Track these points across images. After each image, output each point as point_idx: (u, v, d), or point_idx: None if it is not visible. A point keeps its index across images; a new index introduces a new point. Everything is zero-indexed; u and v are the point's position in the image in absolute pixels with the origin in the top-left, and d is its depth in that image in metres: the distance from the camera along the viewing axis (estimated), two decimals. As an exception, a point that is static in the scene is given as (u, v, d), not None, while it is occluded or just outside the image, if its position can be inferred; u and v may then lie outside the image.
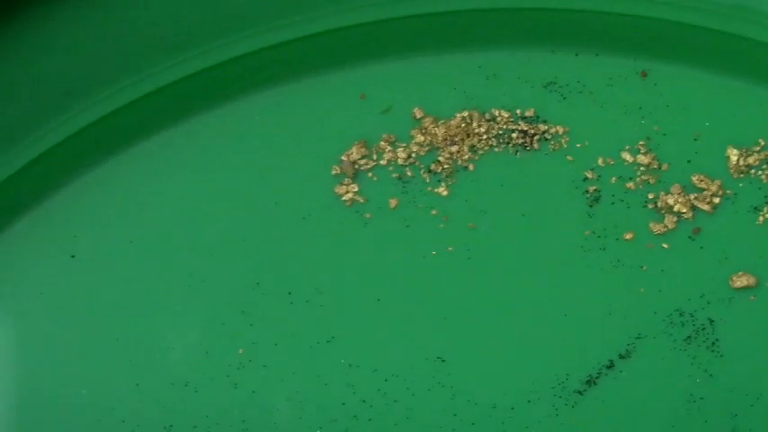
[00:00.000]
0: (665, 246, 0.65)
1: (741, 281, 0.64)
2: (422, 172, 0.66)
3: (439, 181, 0.66)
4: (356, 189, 0.66)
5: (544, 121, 0.67)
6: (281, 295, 0.66)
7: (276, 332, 0.66)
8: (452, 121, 0.67)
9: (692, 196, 0.65)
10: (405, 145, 0.67)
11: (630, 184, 0.66)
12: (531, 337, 0.65)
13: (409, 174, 0.66)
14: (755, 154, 0.66)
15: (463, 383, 0.65)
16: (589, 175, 0.66)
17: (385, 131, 0.67)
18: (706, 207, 0.65)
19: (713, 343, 0.64)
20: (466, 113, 0.67)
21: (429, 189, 0.66)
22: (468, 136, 0.66)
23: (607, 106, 0.67)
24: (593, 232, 0.65)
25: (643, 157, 0.66)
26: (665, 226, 0.65)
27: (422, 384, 0.65)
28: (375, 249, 0.66)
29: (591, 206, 0.66)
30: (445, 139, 0.66)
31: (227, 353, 0.66)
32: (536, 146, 0.66)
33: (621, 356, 0.64)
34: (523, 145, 0.66)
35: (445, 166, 0.66)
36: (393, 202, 0.66)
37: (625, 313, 0.65)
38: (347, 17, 0.68)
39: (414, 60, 0.68)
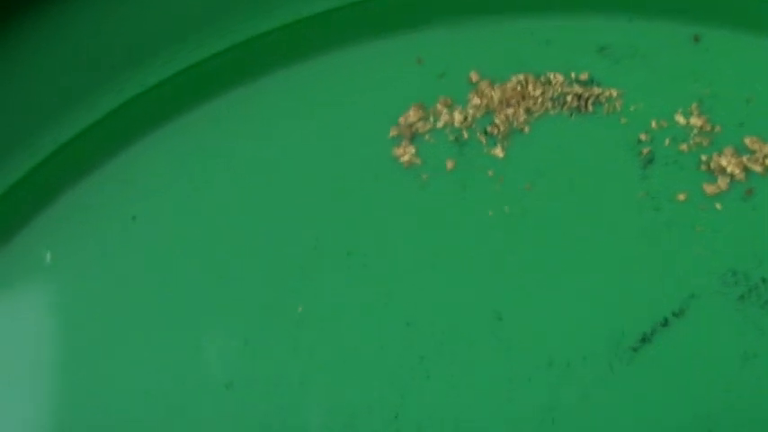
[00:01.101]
0: (718, 206, 0.67)
1: (793, 241, 0.66)
2: (478, 134, 0.68)
3: (495, 143, 0.68)
4: (413, 151, 0.68)
5: (598, 85, 0.68)
6: (340, 256, 0.67)
7: (335, 292, 0.67)
8: (508, 85, 0.68)
9: (744, 158, 0.67)
10: (461, 108, 0.68)
11: (683, 146, 0.67)
12: (586, 296, 0.66)
13: (466, 136, 0.68)
14: (807, 117, 0.67)
15: (519, 340, 0.66)
16: (643, 137, 0.67)
17: (442, 94, 0.68)
18: (758, 168, 0.67)
19: (766, 302, 0.65)
20: (521, 77, 0.68)
21: (485, 151, 0.68)
22: (524, 99, 0.68)
23: (660, 70, 0.68)
24: (647, 193, 0.67)
25: (696, 119, 0.67)
26: (718, 187, 0.66)
27: (479, 342, 0.66)
28: (432, 210, 0.67)
29: (644, 168, 0.67)
30: (501, 102, 0.68)
31: (287, 311, 0.67)
32: (590, 109, 0.68)
33: (675, 314, 0.65)
34: (578, 108, 0.68)
35: (501, 129, 0.67)
36: (450, 164, 0.67)
37: (678, 273, 0.66)
38: (405, -18, 0.70)
39: (469, 25, 0.70)
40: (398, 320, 0.67)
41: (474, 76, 0.69)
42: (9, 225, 0.71)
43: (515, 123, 0.68)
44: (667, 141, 0.68)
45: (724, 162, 0.67)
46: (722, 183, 0.67)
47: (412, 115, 0.68)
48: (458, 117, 0.68)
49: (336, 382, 0.67)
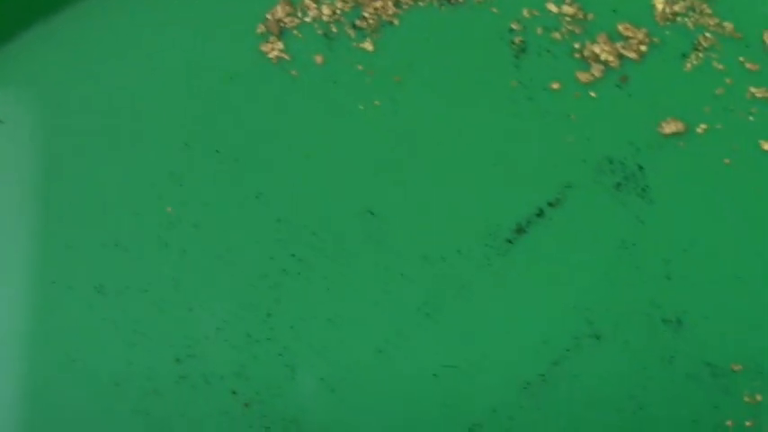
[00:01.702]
0: (593, 94, 0.66)
1: (670, 127, 0.65)
2: (347, 28, 0.67)
3: (364, 36, 0.67)
4: (281, 47, 0.67)
5: (468, -26, 0.67)
6: (210, 154, 0.67)
7: (205, 191, 0.67)
8: (377, -23, 0.67)
9: (618, 45, 0.66)
10: (329, 2, 0.67)
11: (556, 35, 0.67)
12: (460, 188, 0.66)
13: (334, 30, 0.67)
14: (681, 1, 0.67)
15: (393, 236, 0.66)
16: (515, 26, 0.67)
17: (310, -11, 0.68)
18: (633, 55, 0.66)
19: (643, 189, 0.65)
20: (390, -32, 0.67)
21: (354, 45, 0.67)
22: (393, -9, 0.67)
23: (532, -43, 0.67)
24: (520, 83, 0.66)
25: (568, 7, 0.67)
26: (593, 75, 0.66)
27: (351, 238, 0.66)
28: (302, 106, 0.67)
29: (517, 57, 0.66)
30: (370, -5, 0.67)
31: (156, 213, 0.66)
32: (461, -1, 0.67)
33: (551, 204, 0.65)
34: (448, -2, 0.67)
35: (370, 22, 0.67)
36: (319, 59, 0.67)
37: (554, 162, 0.66)
38: None
39: None
40: (269, 217, 0.66)
41: (342, -32, 0.68)
42: None
43: (384, 16, 0.67)
44: (540, 30, 0.67)
45: (597, 49, 0.67)
46: (596, 70, 0.66)
47: (279, 11, 0.68)
48: (326, 11, 0.67)
49: (208, 280, 0.66)
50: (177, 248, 0.66)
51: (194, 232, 0.66)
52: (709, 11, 0.67)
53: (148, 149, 0.67)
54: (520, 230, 0.65)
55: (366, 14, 0.67)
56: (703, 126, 0.66)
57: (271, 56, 0.67)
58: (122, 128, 0.67)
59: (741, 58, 0.66)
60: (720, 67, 0.66)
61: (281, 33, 0.67)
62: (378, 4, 0.67)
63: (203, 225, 0.66)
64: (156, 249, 0.66)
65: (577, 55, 0.67)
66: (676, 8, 0.67)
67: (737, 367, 0.64)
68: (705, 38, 0.66)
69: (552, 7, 0.67)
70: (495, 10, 0.67)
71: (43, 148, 0.68)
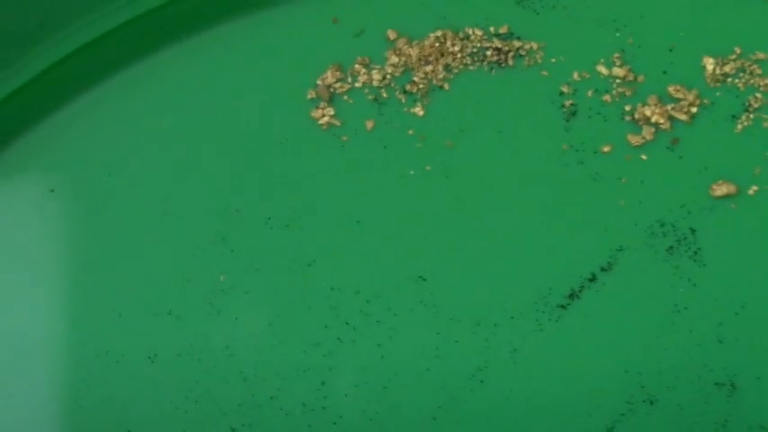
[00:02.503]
0: (644, 157, 0.66)
1: (721, 189, 0.66)
2: (397, 93, 0.68)
3: (415, 101, 0.67)
4: (332, 113, 0.67)
5: (518, 38, 0.68)
6: (261, 221, 0.67)
7: (257, 258, 0.67)
8: (426, 41, 0.68)
9: (669, 107, 0.66)
10: (379, 67, 0.68)
11: (607, 97, 0.67)
12: (512, 254, 0.66)
13: (385, 95, 0.67)
14: (731, 62, 0.67)
15: (445, 302, 0.66)
16: (565, 89, 0.67)
17: (359, 54, 0.68)
18: (683, 117, 0.66)
19: (695, 252, 0.65)
20: (439, 33, 0.68)
21: (405, 110, 0.67)
22: (443, 55, 0.67)
23: (581, 20, 0.68)
24: (571, 146, 0.66)
25: (618, 69, 0.67)
26: (644, 137, 0.66)
27: (404, 304, 0.66)
28: (353, 171, 0.67)
29: (568, 120, 0.67)
30: (419, 60, 0.67)
31: (208, 280, 0.67)
32: (510, 63, 0.67)
33: (603, 269, 0.65)
34: (498, 62, 0.67)
35: (420, 86, 0.67)
36: (369, 124, 0.67)
37: (605, 226, 0.66)
38: (317, -59, 0.69)
39: (385, -19, 0.69)
40: (323, 285, 0.67)
41: (391, 34, 0.69)
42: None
43: (434, 80, 0.68)
44: (590, 93, 0.68)
45: (648, 112, 0.67)
46: (647, 133, 0.67)
47: (329, 76, 0.68)
48: (376, 76, 0.68)
49: (263, 349, 0.67)
50: (229, 316, 0.67)
51: (246, 299, 0.67)
52: (759, 71, 0.67)
53: (200, 216, 0.68)
54: (572, 296, 0.66)
55: (416, 79, 0.68)
56: (755, 188, 0.66)
57: (321, 122, 0.67)
58: (174, 195, 0.68)
59: (791, 119, 0.67)
60: (771, 127, 0.67)
61: (332, 99, 0.68)
62: (428, 69, 0.67)
63: (255, 292, 0.67)
64: (208, 317, 0.67)
65: (628, 117, 0.67)
66: (726, 69, 0.67)
67: (792, 432, 0.65)
68: (755, 98, 0.67)
69: (602, 69, 0.67)
70: (545, 73, 0.68)
71: (94, 217, 0.69)
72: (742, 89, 0.68)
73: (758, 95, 0.67)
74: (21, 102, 0.70)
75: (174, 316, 0.67)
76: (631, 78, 0.68)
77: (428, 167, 0.67)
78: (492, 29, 0.69)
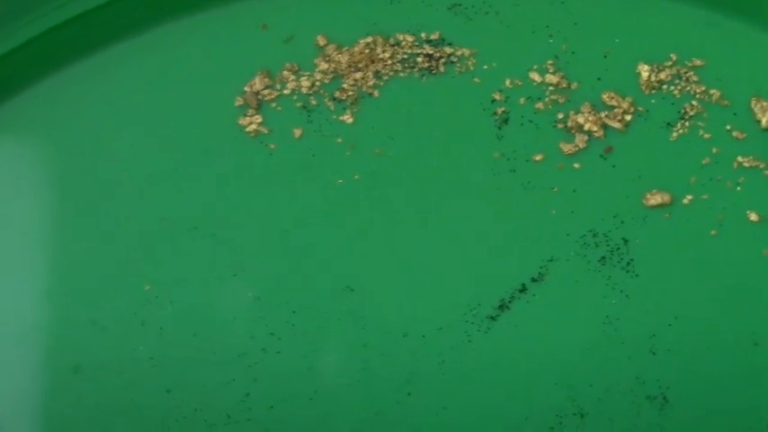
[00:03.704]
0: (577, 166, 0.66)
1: (655, 199, 0.65)
2: (326, 100, 0.67)
3: (344, 108, 0.67)
4: (260, 120, 0.67)
5: (450, 44, 0.68)
6: (187, 230, 0.67)
7: (183, 267, 0.66)
8: (356, 48, 0.67)
9: (602, 114, 0.66)
10: (308, 74, 0.67)
11: (539, 105, 0.67)
12: (442, 264, 0.66)
13: (313, 102, 0.67)
14: (667, 69, 0.67)
15: (373, 313, 0.66)
16: (497, 96, 0.67)
17: (288, 61, 0.68)
18: (617, 125, 0.66)
19: (628, 263, 0.65)
20: (370, 39, 0.68)
21: (334, 117, 0.67)
22: (373, 62, 0.67)
23: (514, 26, 0.68)
24: (503, 155, 0.66)
25: (552, 76, 0.67)
26: (576, 145, 0.66)
27: (331, 315, 0.66)
28: (281, 180, 0.67)
29: (499, 128, 0.66)
30: (349, 66, 0.67)
31: (134, 290, 0.66)
32: (442, 69, 0.67)
33: (534, 280, 0.65)
34: (429, 69, 0.67)
35: (350, 94, 0.67)
36: (298, 132, 0.67)
37: (537, 236, 0.66)
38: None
39: (316, -13, 0.69)
40: (248, 296, 0.66)
41: (321, 40, 0.69)
42: None
43: (364, 87, 0.68)
44: (522, 100, 0.67)
45: (581, 119, 0.67)
46: (580, 141, 0.66)
47: (258, 83, 0.68)
48: (305, 83, 0.68)
49: (187, 361, 0.66)
50: (154, 327, 0.66)
51: (171, 310, 0.66)
52: (695, 78, 0.67)
53: (125, 225, 0.67)
54: (502, 307, 0.66)
55: (346, 86, 0.67)
56: (689, 197, 0.66)
57: (249, 129, 0.67)
58: (99, 204, 0.68)
59: (728, 127, 0.67)
60: (707, 136, 0.67)
61: (260, 106, 0.67)
62: (357, 76, 0.67)
63: (180, 302, 0.66)
64: (133, 328, 0.66)
65: (561, 125, 0.67)
66: (662, 76, 0.67)
67: (723, 445, 0.65)
68: (692, 106, 0.67)
69: (535, 77, 0.67)
70: (477, 80, 0.67)
71: (16, 225, 0.68)
72: (678, 96, 0.67)
73: (694, 103, 0.67)
74: None
75: (98, 326, 0.67)
76: (565, 85, 0.68)
77: (357, 176, 0.67)
78: (423, 35, 0.69)
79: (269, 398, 0.67)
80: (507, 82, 0.68)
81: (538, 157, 0.67)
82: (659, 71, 0.68)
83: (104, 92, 0.70)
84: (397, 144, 0.68)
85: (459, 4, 0.69)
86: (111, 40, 0.71)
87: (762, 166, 0.67)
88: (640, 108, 0.68)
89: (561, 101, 0.68)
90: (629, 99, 0.67)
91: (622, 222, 0.67)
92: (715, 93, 0.68)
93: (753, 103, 0.67)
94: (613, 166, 0.67)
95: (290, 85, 0.69)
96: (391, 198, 0.67)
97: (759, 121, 0.67)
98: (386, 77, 0.68)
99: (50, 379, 0.68)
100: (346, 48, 0.69)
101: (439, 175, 0.67)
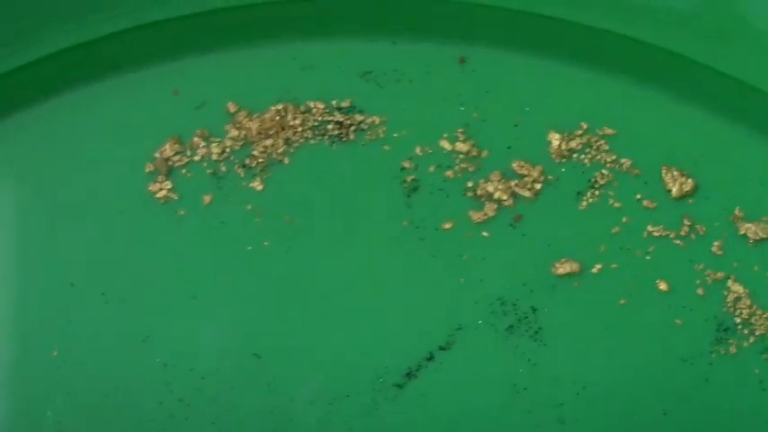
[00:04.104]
0: (486, 234, 0.66)
1: (564, 267, 0.66)
2: (236, 167, 0.68)
3: (254, 175, 0.67)
4: (170, 186, 0.68)
5: (360, 112, 0.68)
6: (96, 295, 0.67)
7: (91, 332, 0.67)
8: (266, 115, 0.68)
9: (512, 183, 0.67)
10: (218, 140, 0.68)
11: (449, 173, 0.67)
12: (349, 332, 0.66)
13: (223, 169, 0.68)
14: (577, 138, 0.67)
15: (280, 380, 0.66)
16: (407, 164, 0.67)
17: (199, 127, 0.68)
18: (527, 193, 0.66)
19: (536, 332, 0.65)
20: (280, 106, 0.68)
21: (244, 184, 0.68)
22: (283, 129, 0.68)
23: (425, 94, 0.68)
24: (412, 222, 0.67)
25: (462, 144, 0.67)
26: (485, 214, 0.66)
27: (239, 381, 0.66)
28: (190, 246, 0.68)
29: (409, 196, 0.67)
30: (259, 133, 0.68)
31: (41, 355, 0.66)
32: (352, 137, 0.68)
33: (442, 348, 0.65)
34: (339, 136, 0.67)
35: (260, 161, 0.67)
36: (207, 199, 0.67)
37: (445, 304, 0.66)
38: (156, 12, 0.69)
39: (227, 54, 0.70)
40: (156, 362, 0.67)
41: (232, 107, 0.69)
42: None
43: (274, 154, 0.68)
44: (432, 168, 0.68)
45: (491, 188, 0.67)
46: (489, 209, 0.67)
47: (168, 149, 0.68)
48: (215, 149, 0.68)
49: (96, 425, 0.66)
50: (62, 391, 0.66)
51: (80, 373, 0.67)
52: (606, 147, 0.67)
53: (34, 290, 0.67)
54: (410, 375, 0.66)
55: (256, 153, 0.68)
56: (598, 266, 0.66)
57: (159, 195, 0.68)
58: (7, 268, 0.67)
59: (638, 196, 0.67)
60: (617, 205, 0.67)
61: (170, 172, 0.68)
62: (268, 143, 0.68)
63: (89, 366, 0.67)
64: (40, 392, 0.66)
65: (470, 194, 0.67)
66: (572, 144, 0.67)
67: None
68: (602, 175, 0.67)
69: (446, 144, 0.68)
70: (387, 147, 0.68)
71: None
72: (588, 165, 0.68)
73: (604, 172, 0.68)
74: None
75: (6, 390, 0.67)
76: (475, 153, 0.68)
77: (266, 243, 0.68)
78: (334, 102, 0.69)
79: (175, 469, 0.67)
80: (417, 150, 0.69)
81: (447, 225, 0.68)
82: (570, 140, 0.68)
83: (11, 158, 0.70)
84: (307, 211, 0.68)
85: (371, 72, 0.70)
86: (18, 107, 0.71)
87: (672, 236, 0.67)
88: (550, 177, 0.68)
89: (471, 169, 0.68)
90: (539, 167, 0.68)
91: (531, 291, 0.67)
92: (625, 162, 0.68)
93: (663, 171, 0.68)
94: (523, 235, 0.68)
95: (201, 152, 0.69)
96: (300, 265, 0.68)
97: (670, 191, 0.68)
98: (296, 144, 0.69)
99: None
100: (257, 114, 0.69)
101: (348, 242, 0.68)
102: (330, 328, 0.67)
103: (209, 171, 0.69)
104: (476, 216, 0.68)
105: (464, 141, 0.69)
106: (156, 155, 0.69)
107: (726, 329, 0.67)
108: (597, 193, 0.68)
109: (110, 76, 0.71)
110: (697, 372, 0.67)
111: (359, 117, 0.69)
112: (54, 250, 0.69)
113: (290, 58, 0.71)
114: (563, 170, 0.68)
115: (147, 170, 0.69)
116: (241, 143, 0.69)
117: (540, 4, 0.70)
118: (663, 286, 0.67)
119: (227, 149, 0.69)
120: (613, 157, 0.68)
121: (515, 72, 0.70)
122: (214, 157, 0.69)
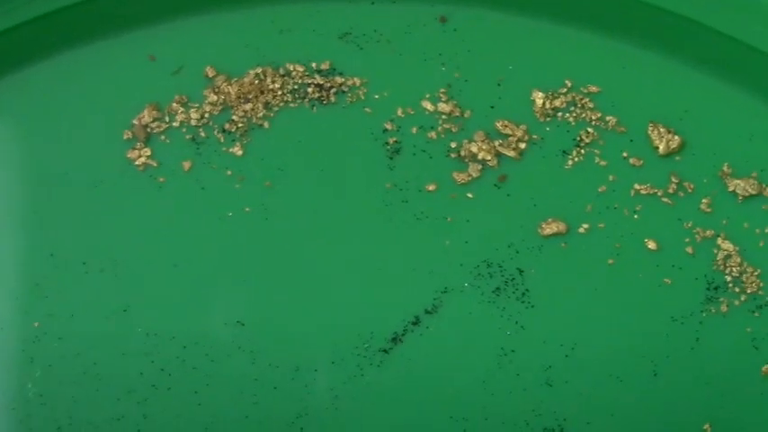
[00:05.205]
0: (470, 195, 0.66)
1: (551, 228, 0.65)
2: (215, 132, 0.67)
3: (233, 140, 0.67)
4: (149, 153, 0.67)
5: (341, 74, 0.68)
6: (76, 265, 0.67)
7: (71, 303, 0.67)
8: (245, 79, 0.68)
9: (496, 143, 0.66)
10: (197, 105, 0.67)
11: (432, 134, 0.67)
12: (333, 296, 0.66)
13: (203, 134, 0.67)
14: (562, 96, 0.67)
15: (264, 347, 0.66)
16: (389, 126, 0.67)
17: (177, 93, 0.68)
18: (512, 153, 0.66)
19: (523, 294, 0.65)
20: (259, 70, 0.68)
21: (223, 149, 0.67)
22: (262, 93, 0.67)
23: (406, 55, 0.68)
24: (395, 185, 0.66)
25: (444, 105, 0.67)
26: (470, 175, 0.66)
27: (221, 350, 0.66)
28: (170, 213, 0.68)
29: (391, 158, 0.66)
30: (239, 98, 0.67)
31: (21, 327, 0.66)
32: (333, 99, 0.67)
33: (428, 312, 0.65)
34: (320, 99, 0.67)
35: (239, 125, 0.67)
36: (187, 165, 0.67)
37: (430, 267, 0.66)
38: (130, -24, 0.69)
39: (204, 18, 0.70)
40: (138, 331, 0.67)
41: (210, 72, 0.69)
42: None
43: (254, 119, 0.68)
44: (415, 129, 0.67)
45: (474, 148, 0.67)
46: (473, 170, 0.66)
47: (146, 116, 0.68)
48: (194, 115, 0.68)
49: (77, 397, 0.67)
50: (43, 364, 0.66)
51: (60, 346, 0.66)
52: (591, 105, 0.67)
53: (13, 261, 0.67)
54: (395, 339, 0.66)
55: (235, 118, 0.67)
56: (585, 226, 0.66)
57: (137, 163, 0.67)
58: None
59: (624, 154, 0.67)
60: (603, 163, 0.67)
61: (148, 139, 0.67)
62: (247, 107, 0.67)
63: (69, 339, 0.66)
64: (22, 365, 0.66)
65: (454, 155, 0.67)
66: (557, 103, 0.67)
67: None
68: (587, 133, 0.67)
69: (428, 105, 0.67)
70: (368, 110, 0.67)
71: None
72: (573, 124, 0.68)
73: (590, 130, 0.67)
74: None
75: (-16, 365, 0.67)
76: (458, 114, 0.68)
77: (247, 209, 0.67)
78: (314, 65, 0.69)
79: (160, 434, 0.67)
80: (399, 111, 0.68)
81: (431, 187, 0.67)
82: (554, 98, 0.68)
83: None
84: (288, 176, 0.68)
85: (351, 33, 0.69)
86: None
87: (659, 194, 0.67)
88: (535, 136, 0.68)
89: (454, 130, 0.68)
90: (523, 127, 0.68)
91: (517, 252, 0.67)
92: (611, 119, 0.68)
93: (650, 129, 0.67)
94: (508, 195, 0.67)
95: (179, 118, 0.69)
96: (282, 230, 0.67)
97: (656, 148, 0.67)
98: (276, 108, 0.69)
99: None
100: (235, 79, 0.69)
101: (330, 206, 0.68)
102: (313, 295, 0.67)
103: (188, 137, 0.69)
104: (460, 177, 0.67)
105: (446, 102, 0.68)
106: (135, 122, 0.69)
107: (716, 288, 0.67)
108: (583, 151, 0.68)
109: (84, 42, 0.70)
110: (687, 331, 0.66)
111: (339, 79, 0.69)
112: (33, 220, 0.69)
113: (267, 20, 0.70)
114: (547, 129, 0.68)
115: (126, 137, 0.69)
116: (220, 108, 0.69)
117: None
118: (651, 245, 0.67)
119: (206, 115, 0.69)
120: (598, 115, 0.68)
121: (497, 30, 0.69)
122: (193, 122, 0.69)
